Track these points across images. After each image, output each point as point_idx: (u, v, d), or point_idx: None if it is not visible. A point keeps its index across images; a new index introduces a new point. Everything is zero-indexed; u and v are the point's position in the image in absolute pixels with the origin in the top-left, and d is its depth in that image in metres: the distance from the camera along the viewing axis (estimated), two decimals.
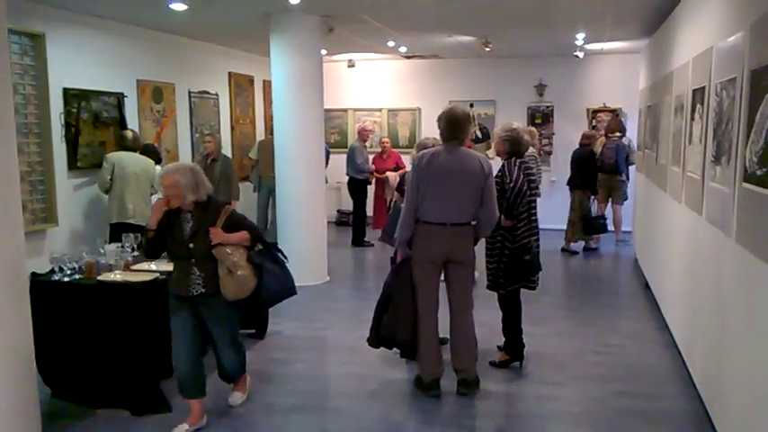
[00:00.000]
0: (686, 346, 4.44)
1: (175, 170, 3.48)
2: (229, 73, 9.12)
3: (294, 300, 6.18)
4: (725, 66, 3.46)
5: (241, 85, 9.44)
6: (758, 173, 2.79)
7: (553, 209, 9.04)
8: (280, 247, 6.80)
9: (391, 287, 4.07)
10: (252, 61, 9.57)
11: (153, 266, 4.16)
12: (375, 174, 9.18)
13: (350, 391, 4.25)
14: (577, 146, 8.65)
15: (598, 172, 8.41)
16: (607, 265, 8.16)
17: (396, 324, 4.01)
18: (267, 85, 9.37)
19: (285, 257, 4.03)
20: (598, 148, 8.69)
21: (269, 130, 8.68)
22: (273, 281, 3.75)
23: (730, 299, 3.25)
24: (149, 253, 3.67)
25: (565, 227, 8.59)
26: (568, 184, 8.55)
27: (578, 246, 8.64)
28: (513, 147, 4.38)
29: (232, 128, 9.19)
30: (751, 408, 2.83)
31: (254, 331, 5.15)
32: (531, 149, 7.98)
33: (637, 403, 4.01)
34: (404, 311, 4.00)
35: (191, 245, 3.50)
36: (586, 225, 8.37)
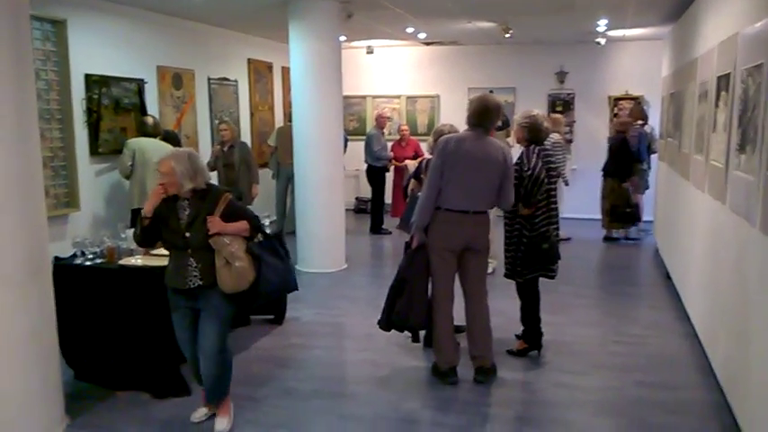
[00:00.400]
0: (707, 337, 4.39)
1: (172, 156, 3.32)
2: (248, 59, 9.13)
3: (312, 286, 6.30)
4: (751, 52, 3.38)
5: (260, 72, 9.45)
6: None
7: (577, 197, 8.97)
8: (298, 233, 6.94)
9: (406, 272, 4.04)
10: (271, 48, 9.56)
11: None
12: (394, 161, 9.16)
13: (367, 377, 4.26)
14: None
15: (633, 161, 8.27)
16: (628, 255, 8.08)
17: (410, 310, 3.99)
18: (286, 72, 9.36)
19: (286, 250, 3.93)
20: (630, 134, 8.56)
21: (287, 116, 8.70)
22: (273, 274, 3.56)
23: (753, 289, 3.20)
24: (143, 241, 3.46)
25: (590, 216, 8.48)
26: (602, 170, 8.50)
27: (619, 233, 8.57)
28: (533, 134, 4.33)
29: (251, 114, 9.21)
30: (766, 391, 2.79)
31: (272, 317, 5.19)
32: (556, 136, 7.99)
33: (656, 393, 3.98)
34: (419, 298, 3.99)
35: (187, 234, 3.32)
36: (613, 214, 8.29)
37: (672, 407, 3.81)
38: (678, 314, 5.41)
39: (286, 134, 7.82)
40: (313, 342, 4.89)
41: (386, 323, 4.12)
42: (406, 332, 4.28)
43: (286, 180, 8.51)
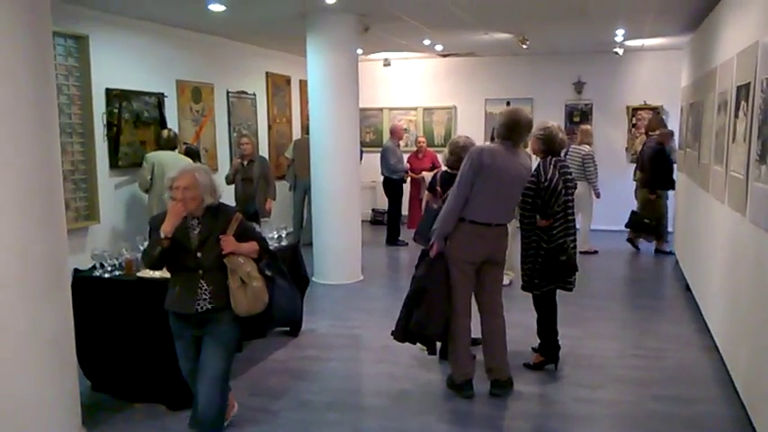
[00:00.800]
0: (728, 350, 4.32)
1: (194, 169, 3.22)
2: (267, 73, 9.23)
3: (328, 298, 6.31)
4: None
5: (278, 85, 9.54)
6: None
7: (596, 209, 8.91)
8: (315, 245, 6.96)
9: (424, 281, 3.98)
10: (289, 61, 9.66)
11: None
12: (410, 173, 9.17)
13: (383, 390, 4.25)
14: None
15: (671, 170, 8.19)
16: (647, 267, 7.99)
17: (428, 320, 3.95)
18: (303, 85, 9.45)
19: (302, 262, 3.87)
20: (638, 147, 8.51)
21: (305, 129, 8.76)
22: (283, 298, 3.43)
23: None
24: (157, 263, 3.23)
25: (609, 227, 8.44)
26: (636, 180, 8.56)
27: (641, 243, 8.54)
28: (548, 145, 4.32)
29: (269, 127, 9.30)
30: None
31: (288, 329, 5.20)
32: (587, 148, 8.00)
33: (675, 407, 3.92)
34: (437, 308, 3.94)
35: (198, 254, 3.19)
36: (636, 223, 8.27)
37: (691, 421, 3.74)
38: (698, 327, 5.33)
39: (303, 146, 7.88)
40: (329, 354, 4.89)
41: (402, 333, 4.08)
42: (419, 344, 4.26)
43: (303, 192, 8.56)
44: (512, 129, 3.97)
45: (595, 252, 8.26)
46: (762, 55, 3.57)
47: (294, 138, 9.55)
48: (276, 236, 5.02)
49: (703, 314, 5.37)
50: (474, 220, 3.91)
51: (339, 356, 4.86)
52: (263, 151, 8.79)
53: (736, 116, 4.19)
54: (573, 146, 8.05)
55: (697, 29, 7.08)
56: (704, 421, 3.75)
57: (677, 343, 5.04)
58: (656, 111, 9.57)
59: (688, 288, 6.29)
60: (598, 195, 8.15)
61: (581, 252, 8.00)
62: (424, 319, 3.95)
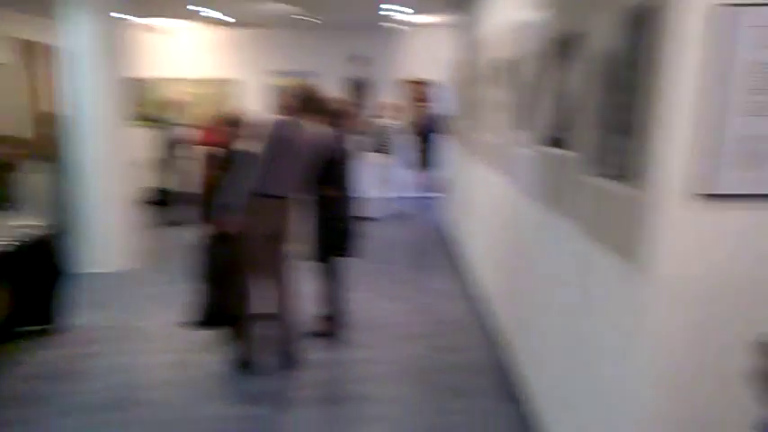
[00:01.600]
0: (490, 299, 4.79)
1: None
2: (16, 39, 8.01)
3: (99, 288, 5.68)
4: (528, 38, 3.64)
5: (29, 53, 8.35)
6: (553, 136, 2.98)
7: (371, 179, 9.23)
8: (77, 230, 6.20)
9: (217, 260, 3.83)
10: (41, 26, 8.46)
11: None
12: (195, 147, 8.64)
13: (166, 380, 3.97)
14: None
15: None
16: (423, 230, 8.50)
17: (226, 300, 3.83)
18: (55, 54, 8.38)
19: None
20: (413, 118, 9.01)
21: (57, 102, 7.77)
22: None
23: (530, 252, 3.50)
24: None
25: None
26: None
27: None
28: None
29: (22, 100, 8.12)
30: (540, 346, 3.07)
31: (40, 329, 4.55)
32: (386, 120, 8.32)
33: (448, 356, 4.28)
34: (237, 287, 3.83)
35: None
36: None
37: (461, 367, 4.12)
38: (467, 281, 5.84)
39: (48, 122, 6.93)
40: (102, 349, 4.42)
41: (199, 318, 3.88)
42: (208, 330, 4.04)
43: (55, 173, 7.59)
44: (304, 101, 3.99)
45: (376, 219, 8.54)
46: (521, 31, 3.88)
47: (46, 111, 8.45)
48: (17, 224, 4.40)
49: (471, 270, 5.88)
50: (267, 194, 3.82)
51: (114, 350, 4.42)
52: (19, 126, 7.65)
53: (501, 88, 4.53)
54: (370, 118, 8.32)
55: (463, 7, 7.58)
56: (471, 365, 4.14)
57: (449, 297, 5.50)
58: (427, 83, 10.17)
59: (458, 247, 6.84)
60: (402, 167, 8.57)
61: (370, 219, 8.34)
62: (222, 300, 3.82)
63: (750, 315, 1.85)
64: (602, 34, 2.34)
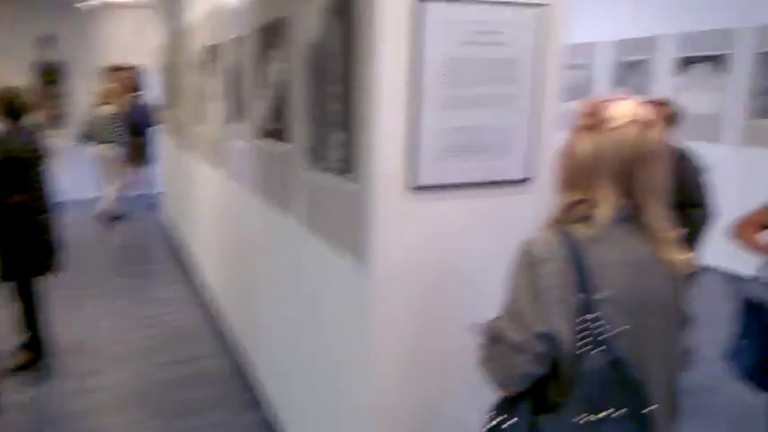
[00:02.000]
0: (222, 302, 4.52)
1: None
2: None
3: None
4: (236, 23, 3.46)
5: None
6: (268, 128, 2.87)
7: (78, 178, 8.21)
8: None
9: None
10: None
11: None
12: None
13: None
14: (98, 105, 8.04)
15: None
16: (139, 232, 7.77)
17: None
18: None
19: None
20: (124, 108, 8.19)
21: None
22: None
23: (256, 251, 3.36)
24: None
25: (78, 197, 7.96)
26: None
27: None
28: (9, 107, 3.66)
29: None
30: (272, 348, 2.98)
31: None
32: (113, 108, 7.44)
33: (179, 369, 3.91)
34: None
35: None
36: None
37: (196, 379, 3.78)
38: (195, 285, 5.43)
39: None
40: None
41: None
42: None
43: None
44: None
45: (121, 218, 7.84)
46: (227, 17, 3.67)
47: None
48: None
49: (199, 272, 5.50)
50: None
51: None
52: None
53: (210, 76, 4.27)
54: (98, 107, 7.70)
55: None
56: (208, 376, 3.82)
57: (176, 305, 5.04)
58: (133, 70, 9.34)
59: (182, 249, 6.35)
60: (131, 160, 7.75)
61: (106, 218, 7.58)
62: None
63: (464, 303, 1.93)
64: (307, 22, 2.27)
